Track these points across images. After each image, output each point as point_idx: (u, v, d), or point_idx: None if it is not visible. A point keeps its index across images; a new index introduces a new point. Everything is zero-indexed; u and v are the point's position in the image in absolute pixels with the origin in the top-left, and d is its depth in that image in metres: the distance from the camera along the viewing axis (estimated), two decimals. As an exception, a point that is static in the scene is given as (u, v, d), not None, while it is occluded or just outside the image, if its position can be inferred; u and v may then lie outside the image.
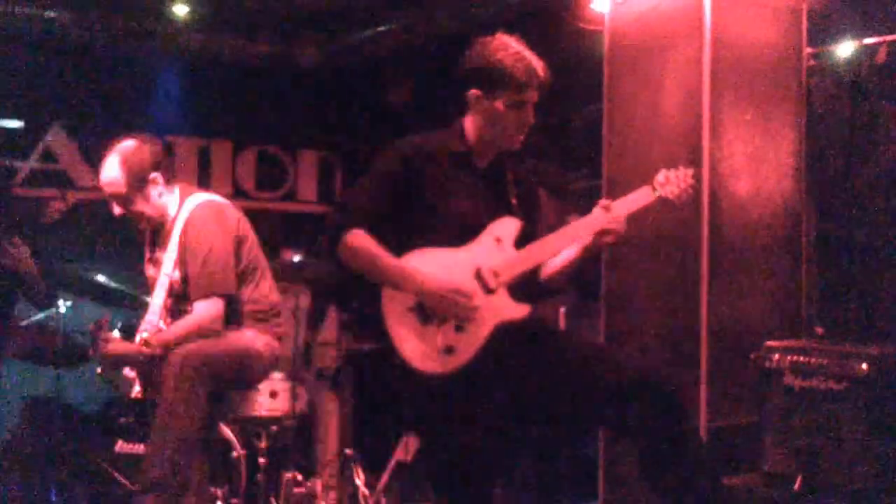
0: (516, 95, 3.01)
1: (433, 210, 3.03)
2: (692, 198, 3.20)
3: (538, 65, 3.04)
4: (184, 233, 3.89)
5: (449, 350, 2.91)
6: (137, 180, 3.89)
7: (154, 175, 3.91)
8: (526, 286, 3.08)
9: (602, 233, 3.03)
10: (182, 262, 3.86)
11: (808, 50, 4.32)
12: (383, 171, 3.08)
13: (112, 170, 3.89)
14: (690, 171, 3.15)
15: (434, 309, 2.91)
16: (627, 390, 2.92)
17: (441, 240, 3.00)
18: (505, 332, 2.97)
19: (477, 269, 2.98)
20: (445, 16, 5.61)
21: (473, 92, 3.06)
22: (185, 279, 3.87)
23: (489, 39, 3.06)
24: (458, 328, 2.94)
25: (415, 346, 2.91)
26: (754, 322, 4.05)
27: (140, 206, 3.91)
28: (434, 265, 2.95)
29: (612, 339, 4.27)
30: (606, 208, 3.06)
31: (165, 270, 3.86)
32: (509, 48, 3.02)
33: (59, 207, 4.08)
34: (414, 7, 5.78)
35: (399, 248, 3.00)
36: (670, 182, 3.13)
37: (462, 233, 3.02)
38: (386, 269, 2.95)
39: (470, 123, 3.12)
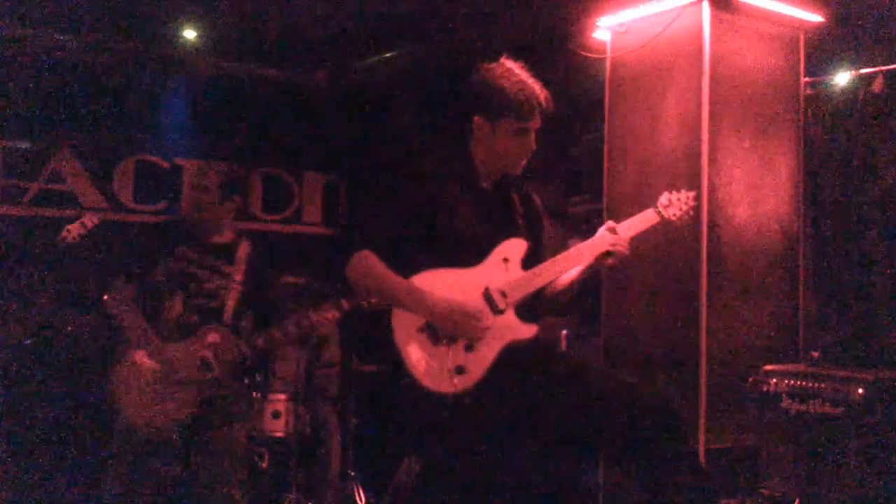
0: (518, 122, 3.04)
1: (442, 232, 3.05)
2: (693, 220, 3.23)
3: (541, 92, 3.06)
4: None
5: (459, 370, 2.92)
6: None
7: None
8: (531, 306, 3.10)
9: (606, 254, 3.06)
10: None
11: (806, 79, 4.40)
12: (394, 194, 3.10)
13: None
14: (692, 194, 3.19)
15: (444, 330, 2.93)
16: (626, 413, 2.92)
17: (449, 261, 3.02)
18: (512, 353, 2.99)
19: (485, 290, 3.00)
20: (449, 43, 5.67)
21: (476, 118, 3.09)
22: None
23: (493, 66, 3.09)
24: (468, 348, 2.95)
25: (425, 366, 2.92)
26: (752, 346, 4.09)
27: None
28: (443, 286, 2.97)
29: (612, 362, 4.30)
30: (612, 230, 3.10)
31: None
32: (512, 75, 3.05)
33: (79, 231, 4.09)
34: (419, 33, 5.83)
35: (408, 269, 3.01)
36: (673, 204, 3.17)
37: (470, 254, 3.04)
38: (396, 290, 2.96)
39: (474, 147, 3.15)
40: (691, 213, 3.18)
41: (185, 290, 3.84)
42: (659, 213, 3.15)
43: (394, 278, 2.97)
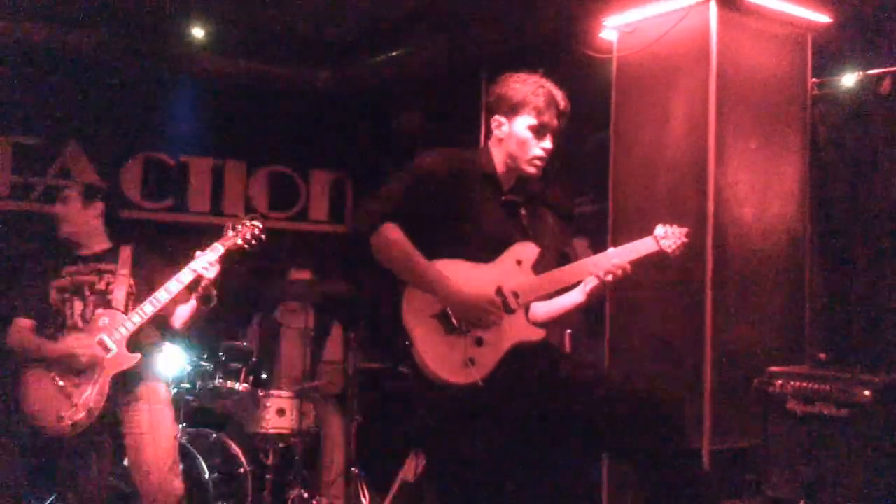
0: (535, 118, 3.10)
1: (460, 224, 3.08)
2: (686, 254, 3.28)
3: (558, 94, 3.15)
4: None
5: (471, 361, 2.95)
6: None
7: None
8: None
9: (610, 272, 3.12)
10: None
11: (814, 80, 4.37)
12: (417, 172, 3.12)
13: None
14: (685, 230, 3.26)
15: (460, 317, 2.96)
16: (629, 414, 2.94)
17: (465, 253, 3.05)
18: (519, 353, 3.02)
19: (498, 289, 3.03)
20: (457, 42, 5.67)
21: (496, 118, 3.16)
22: None
23: (513, 74, 3.17)
24: (479, 342, 2.98)
25: (440, 356, 2.94)
26: (758, 347, 4.07)
27: None
28: (458, 276, 3.00)
29: (616, 363, 4.29)
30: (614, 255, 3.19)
31: None
32: (530, 79, 3.14)
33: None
34: (426, 33, 5.84)
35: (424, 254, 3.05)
36: (668, 237, 3.24)
37: (486, 250, 3.08)
38: (420, 269, 2.98)
39: (494, 149, 3.20)
40: (684, 248, 3.24)
41: (80, 294, 4.05)
42: (657, 242, 3.23)
43: (420, 257, 2.99)
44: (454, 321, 2.95)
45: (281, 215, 7.19)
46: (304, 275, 6.21)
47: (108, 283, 4.07)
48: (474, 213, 3.10)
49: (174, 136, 6.74)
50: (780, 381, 3.72)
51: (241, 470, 5.19)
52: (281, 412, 5.37)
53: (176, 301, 3.99)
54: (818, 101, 4.40)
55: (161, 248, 4.43)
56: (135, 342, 3.95)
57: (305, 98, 6.95)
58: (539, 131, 3.11)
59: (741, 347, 4.03)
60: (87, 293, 4.05)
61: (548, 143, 3.14)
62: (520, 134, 3.12)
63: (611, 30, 4.46)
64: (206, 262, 3.95)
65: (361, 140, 7.14)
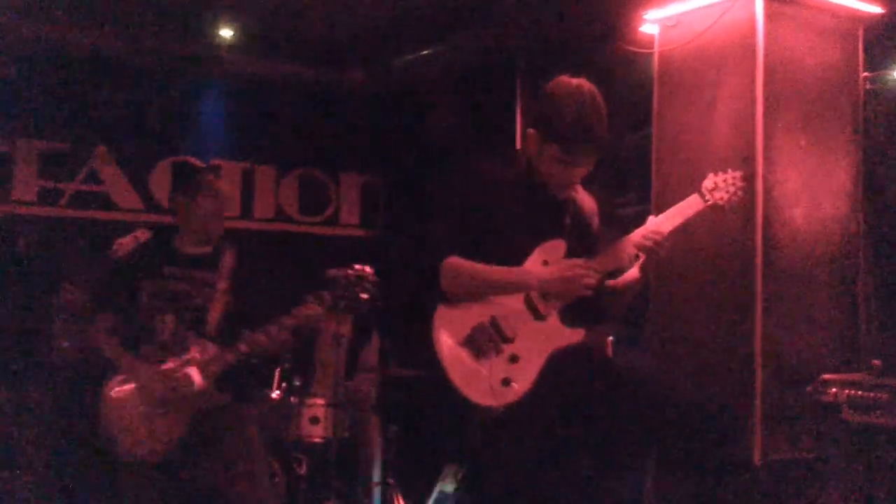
0: (564, 154, 2.98)
1: (488, 231, 3.04)
2: (742, 201, 3.16)
3: (598, 130, 2.97)
4: None
5: (505, 382, 2.91)
6: None
7: None
8: (579, 313, 3.06)
9: (646, 241, 3.03)
10: None
11: (865, 74, 4.24)
12: (457, 199, 3.11)
13: None
14: (739, 174, 3.11)
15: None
16: (677, 422, 2.92)
17: (489, 260, 3.01)
18: (560, 360, 2.97)
19: (526, 295, 2.99)
20: (491, 40, 5.58)
21: (531, 131, 3.06)
22: None
23: (568, 85, 3.01)
24: (512, 359, 2.93)
25: (471, 380, 2.91)
26: (810, 353, 3.94)
27: None
28: None
29: (661, 370, 4.16)
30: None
31: None
32: (577, 104, 2.95)
33: (131, 245, 4.06)
34: (459, 32, 5.76)
35: None
36: (719, 187, 3.10)
37: (510, 255, 3.03)
38: (499, 277, 2.99)
39: (525, 152, 3.13)
40: (740, 193, 3.10)
41: (175, 307, 3.80)
42: (704, 197, 3.08)
43: (491, 269, 2.99)
44: (480, 346, 2.91)
45: (311, 220, 7.13)
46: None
47: (205, 300, 3.83)
48: (501, 220, 3.05)
49: (203, 140, 6.70)
50: (834, 390, 3.61)
51: (275, 480, 5.14)
52: (315, 420, 5.33)
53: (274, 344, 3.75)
54: (870, 96, 4.26)
55: (263, 258, 4.23)
56: (225, 378, 3.73)
57: (336, 99, 6.88)
58: (565, 163, 3.00)
59: (792, 353, 3.90)
60: (182, 307, 3.80)
61: (574, 177, 3.05)
62: (546, 158, 3.02)
63: (652, 24, 4.36)
64: (315, 315, 3.74)
65: (393, 142, 7.08)
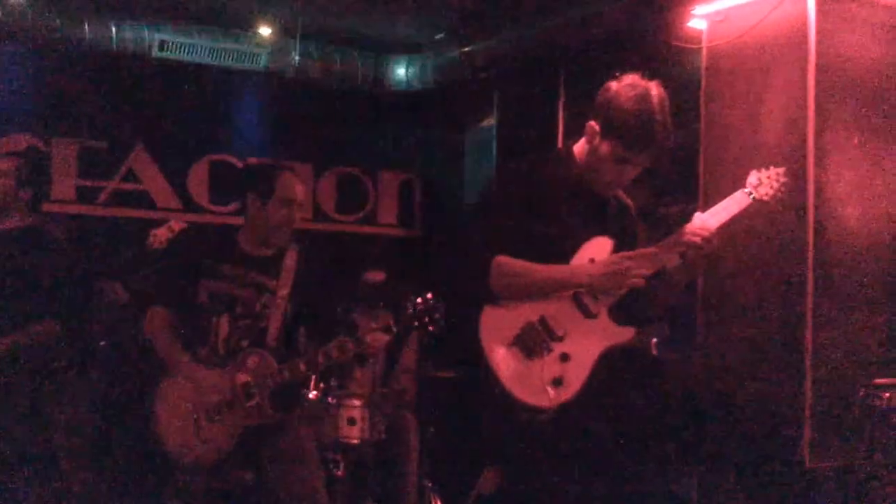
0: (623, 151, 2.94)
1: (538, 231, 3.01)
2: (792, 200, 3.17)
3: (660, 137, 2.93)
4: None
5: (556, 382, 2.88)
6: None
7: None
8: (628, 312, 3.03)
9: (692, 237, 2.98)
10: None
11: (920, 70, 4.15)
12: (505, 200, 3.08)
13: None
14: (782, 170, 3.06)
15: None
16: (726, 424, 2.87)
17: (537, 259, 2.99)
18: (610, 360, 2.93)
19: (575, 294, 2.96)
20: (534, 36, 5.53)
21: (592, 123, 3.02)
22: None
23: (640, 85, 2.97)
24: (564, 358, 2.90)
25: (522, 380, 2.88)
26: (862, 357, 3.88)
27: None
28: None
29: (710, 372, 4.12)
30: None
31: None
32: (644, 104, 2.92)
33: (166, 236, 4.01)
34: (501, 28, 5.71)
35: None
36: (763, 183, 3.05)
37: (557, 253, 3.01)
38: (549, 275, 2.97)
39: (579, 149, 3.09)
40: (783, 190, 3.06)
41: (231, 312, 3.67)
42: (751, 194, 3.05)
43: (541, 267, 2.97)
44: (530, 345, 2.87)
45: (348, 218, 7.11)
46: (379, 276, 6.09)
47: (264, 306, 3.67)
48: (549, 218, 3.03)
49: (241, 139, 6.70)
50: (887, 395, 3.58)
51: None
52: (352, 421, 5.26)
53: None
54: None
55: (327, 261, 4.12)
56: (280, 393, 3.61)
57: (374, 97, 6.86)
58: (622, 161, 2.97)
59: (844, 357, 3.85)
60: (239, 311, 3.66)
61: (627, 176, 3.02)
62: (603, 154, 2.98)
63: (700, 18, 4.33)
64: (382, 345, 3.62)
65: (431, 140, 7.03)
